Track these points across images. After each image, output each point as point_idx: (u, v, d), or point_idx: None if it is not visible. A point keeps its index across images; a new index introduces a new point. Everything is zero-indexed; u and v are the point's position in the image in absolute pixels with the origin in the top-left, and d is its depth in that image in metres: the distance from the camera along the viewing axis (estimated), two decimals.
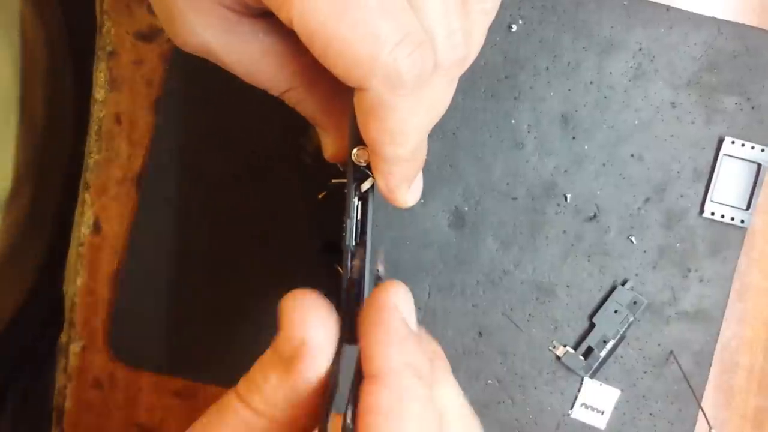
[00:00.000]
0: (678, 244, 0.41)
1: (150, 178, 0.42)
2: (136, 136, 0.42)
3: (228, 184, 0.41)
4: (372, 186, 0.31)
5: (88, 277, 0.43)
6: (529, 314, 0.41)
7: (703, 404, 0.41)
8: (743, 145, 0.40)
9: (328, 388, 0.26)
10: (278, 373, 0.26)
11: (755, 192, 0.40)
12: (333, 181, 0.36)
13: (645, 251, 0.41)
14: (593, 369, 0.41)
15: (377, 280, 0.31)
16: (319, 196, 0.41)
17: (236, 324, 0.42)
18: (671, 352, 0.41)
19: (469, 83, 0.41)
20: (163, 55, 0.41)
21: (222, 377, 0.42)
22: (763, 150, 0.40)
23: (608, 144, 0.41)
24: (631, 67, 0.40)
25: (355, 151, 0.29)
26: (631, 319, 0.41)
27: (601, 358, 0.41)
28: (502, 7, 0.29)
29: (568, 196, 0.41)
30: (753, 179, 0.40)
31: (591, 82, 0.41)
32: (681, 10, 0.40)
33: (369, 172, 0.30)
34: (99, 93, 0.42)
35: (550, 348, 0.41)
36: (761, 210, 0.41)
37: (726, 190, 0.40)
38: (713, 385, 0.42)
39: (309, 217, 0.41)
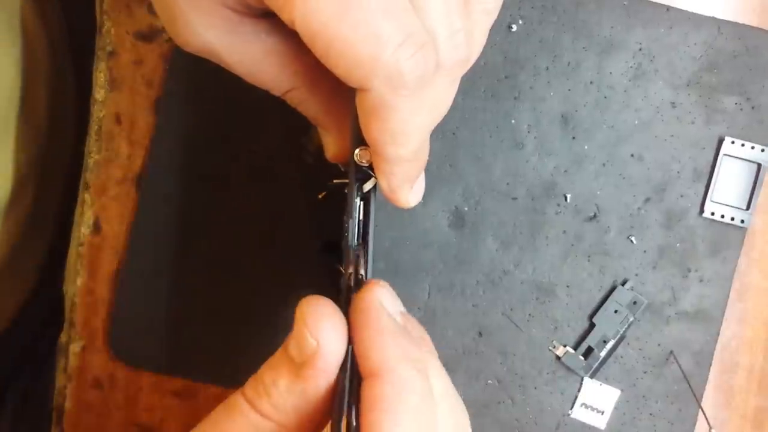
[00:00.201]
0: (678, 244, 0.41)
1: (150, 178, 0.42)
2: (136, 136, 0.42)
3: (228, 184, 0.41)
4: (374, 186, 0.31)
5: (88, 277, 0.43)
6: (529, 314, 0.41)
7: (703, 404, 0.41)
8: (743, 145, 0.40)
9: (337, 394, 0.26)
10: (288, 378, 0.26)
11: (755, 192, 0.40)
12: (334, 181, 0.36)
13: (645, 251, 0.41)
14: (593, 369, 0.41)
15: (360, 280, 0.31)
16: (320, 196, 0.41)
17: (236, 324, 0.42)
18: (671, 352, 0.41)
19: (469, 83, 0.41)
20: (163, 55, 0.41)
21: (222, 377, 0.42)
22: (763, 150, 0.40)
23: (608, 144, 0.41)
24: (631, 67, 0.40)
25: (357, 151, 0.29)
26: (631, 319, 0.41)
27: (601, 358, 0.41)
28: (502, 7, 0.29)
29: (568, 196, 0.41)
30: (753, 179, 0.40)
31: (591, 82, 0.41)
32: (681, 10, 0.40)
33: (371, 173, 0.30)
34: (99, 93, 0.42)
35: (550, 348, 0.41)
36: (761, 210, 0.41)
37: (726, 190, 0.40)
38: (713, 385, 0.42)
39: (310, 217, 0.41)
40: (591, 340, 0.41)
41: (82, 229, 0.43)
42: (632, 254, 0.41)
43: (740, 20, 0.40)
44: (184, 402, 0.43)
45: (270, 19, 0.29)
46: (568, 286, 0.41)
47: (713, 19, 0.40)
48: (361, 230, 0.31)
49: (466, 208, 0.41)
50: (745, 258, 0.41)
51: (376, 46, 0.25)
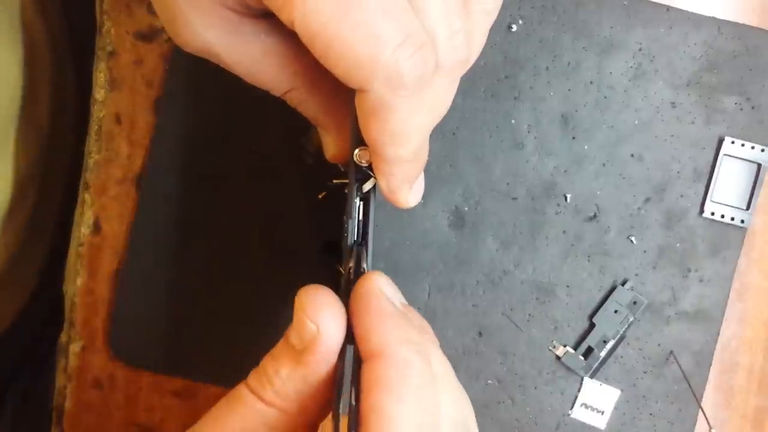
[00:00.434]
0: (678, 244, 0.41)
1: (150, 178, 0.42)
2: (136, 136, 0.42)
3: (228, 184, 0.41)
4: (374, 186, 0.31)
5: (88, 277, 0.43)
6: (529, 314, 0.41)
7: (703, 404, 0.41)
8: (743, 145, 0.40)
9: (336, 379, 0.26)
10: (290, 365, 0.27)
11: (755, 192, 0.40)
12: (334, 181, 0.36)
13: (645, 251, 0.41)
14: (593, 369, 0.41)
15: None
16: (320, 196, 0.41)
17: (236, 324, 0.42)
18: (671, 352, 0.41)
19: (469, 83, 0.41)
20: (163, 55, 0.41)
21: (222, 377, 0.42)
22: (763, 150, 0.40)
23: (608, 144, 0.41)
24: (631, 67, 0.40)
25: (356, 151, 0.29)
26: (631, 319, 0.41)
27: (601, 358, 0.41)
28: (502, 7, 0.29)
29: (568, 196, 0.41)
30: (753, 179, 0.40)
31: (591, 82, 0.41)
32: (681, 10, 0.40)
33: (371, 173, 0.30)
34: (99, 93, 0.42)
35: (550, 348, 0.41)
36: (761, 210, 0.41)
37: (726, 190, 0.40)
38: (713, 385, 0.42)
39: (310, 217, 0.41)
40: (591, 340, 0.41)
41: (82, 229, 0.43)
42: (632, 254, 0.41)
43: (740, 20, 0.40)
44: (184, 402, 0.43)
45: (269, 19, 0.29)
46: (568, 286, 0.41)
47: (713, 19, 0.40)
48: (361, 230, 0.31)
49: (466, 208, 0.41)
50: (745, 258, 0.41)
51: (375, 47, 0.25)
